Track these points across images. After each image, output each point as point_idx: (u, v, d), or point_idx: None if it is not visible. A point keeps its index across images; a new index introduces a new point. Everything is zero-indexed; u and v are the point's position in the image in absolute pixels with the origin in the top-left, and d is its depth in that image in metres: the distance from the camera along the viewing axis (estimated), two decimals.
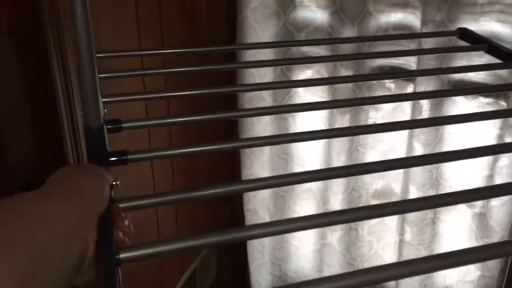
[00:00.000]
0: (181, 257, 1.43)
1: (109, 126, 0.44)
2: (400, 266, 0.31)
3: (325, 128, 1.34)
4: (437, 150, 1.24)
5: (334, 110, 1.31)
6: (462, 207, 1.30)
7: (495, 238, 1.21)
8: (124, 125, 0.46)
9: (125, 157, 0.41)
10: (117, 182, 0.37)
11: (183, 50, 0.63)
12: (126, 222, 0.37)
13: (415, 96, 1.00)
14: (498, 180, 1.17)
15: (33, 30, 0.92)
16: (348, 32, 1.21)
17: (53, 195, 0.32)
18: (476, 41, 0.75)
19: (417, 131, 1.24)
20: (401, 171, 1.33)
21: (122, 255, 0.32)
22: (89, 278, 0.32)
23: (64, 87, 0.94)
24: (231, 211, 1.63)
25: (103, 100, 0.47)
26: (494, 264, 1.27)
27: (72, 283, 0.31)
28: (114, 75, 0.53)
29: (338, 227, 1.42)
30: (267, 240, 1.52)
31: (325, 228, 1.44)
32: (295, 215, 1.50)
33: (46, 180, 0.33)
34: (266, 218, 1.48)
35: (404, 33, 1.22)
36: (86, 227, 0.32)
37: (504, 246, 0.34)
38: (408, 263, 0.31)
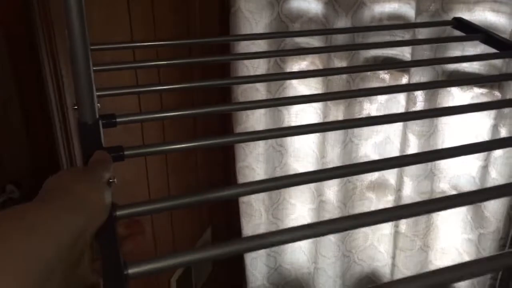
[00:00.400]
0: (176, 249, 1.42)
1: (103, 121, 0.43)
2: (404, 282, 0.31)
3: (320, 122, 1.33)
4: (431, 141, 1.24)
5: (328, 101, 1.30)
6: None
7: (490, 228, 1.21)
8: (118, 119, 0.45)
9: (122, 153, 0.39)
10: (114, 180, 0.36)
11: (177, 41, 0.62)
12: (137, 237, 0.36)
13: (409, 88, 1.00)
14: (493, 171, 1.17)
15: (22, 22, 0.90)
16: (342, 22, 1.20)
17: (55, 206, 0.30)
18: (472, 31, 0.75)
19: (411, 122, 1.24)
20: None
21: (130, 271, 0.31)
22: None
23: (54, 81, 0.93)
24: (226, 203, 1.63)
25: (96, 94, 0.46)
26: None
27: None
28: (109, 68, 0.52)
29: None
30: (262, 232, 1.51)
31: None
32: (290, 207, 1.50)
33: (43, 185, 0.32)
34: (261, 211, 1.48)
35: (399, 23, 1.22)
36: (87, 239, 0.31)
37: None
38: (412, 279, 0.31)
